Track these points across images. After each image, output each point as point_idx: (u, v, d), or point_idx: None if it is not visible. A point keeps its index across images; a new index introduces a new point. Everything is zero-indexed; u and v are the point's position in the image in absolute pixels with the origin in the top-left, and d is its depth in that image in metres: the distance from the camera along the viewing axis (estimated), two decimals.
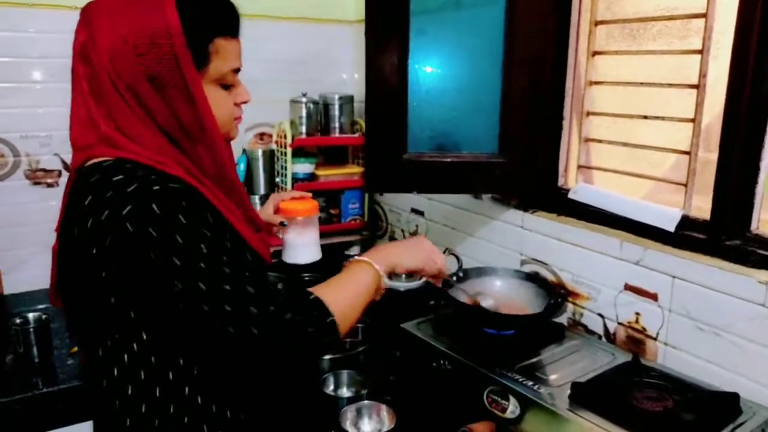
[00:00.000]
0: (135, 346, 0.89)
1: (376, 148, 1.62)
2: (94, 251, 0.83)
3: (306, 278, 1.87)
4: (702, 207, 1.33)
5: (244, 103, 0.99)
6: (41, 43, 1.90)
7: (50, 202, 1.99)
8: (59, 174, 2.00)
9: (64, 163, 1.99)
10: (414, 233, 2.15)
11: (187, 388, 0.92)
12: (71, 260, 0.89)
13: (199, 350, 0.91)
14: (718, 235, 1.25)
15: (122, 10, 0.87)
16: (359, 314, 0.99)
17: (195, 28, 0.88)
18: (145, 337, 0.88)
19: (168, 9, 0.86)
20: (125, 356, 0.89)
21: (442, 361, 1.34)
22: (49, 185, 1.99)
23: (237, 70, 0.96)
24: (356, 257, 1.06)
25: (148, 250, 0.81)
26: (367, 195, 2.34)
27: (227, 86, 0.95)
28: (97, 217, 0.82)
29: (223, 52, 0.92)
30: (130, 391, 0.90)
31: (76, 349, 1.62)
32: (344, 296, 0.96)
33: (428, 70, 1.63)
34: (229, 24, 0.94)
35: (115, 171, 0.85)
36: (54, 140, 1.97)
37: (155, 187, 0.83)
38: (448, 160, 1.62)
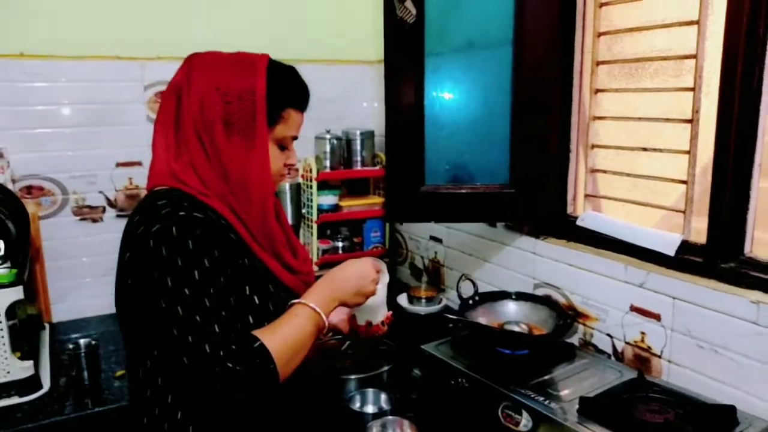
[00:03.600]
0: (155, 352, 1.02)
1: (396, 181, 1.75)
2: (126, 260, 1.00)
3: None
4: (702, 230, 1.42)
5: (292, 165, 1.15)
6: (86, 90, 2.07)
7: (95, 237, 2.15)
8: (103, 210, 2.16)
9: (108, 200, 2.16)
10: (433, 260, 2.26)
11: (180, 413, 1.03)
12: (119, 271, 1.04)
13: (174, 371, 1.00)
14: (715, 258, 1.34)
15: (223, 66, 1.06)
16: (301, 359, 1.03)
17: (275, 94, 1.06)
18: (156, 353, 1.02)
19: (260, 75, 1.05)
20: (147, 362, 1.03)
21: (460, 380, 1.44)
22: (94, 221, 2.15)
23: (294, 138, 1.14)
24: (302, 300, 1.08)
25: (154, 266, 0.94)
26: (387, 224, 2.47)
27: (283, 148, 1.12)
28: (136, 231, 0.98)
29: (289, 119, 1.10)
30: (149, 393, 1.05)
31: (121, 372, 1.75)
32: (287, 342, 1.00)
33: (443, 107, 1.76)
34: (301, 100, 1.13)
35: (162, 197, 1.01)
36: (99, 179, 2.13)
37: (181, 213, 0.97)
38: (463, 191, 1.74)
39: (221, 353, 0.93)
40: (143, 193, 2.18)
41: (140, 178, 2.19)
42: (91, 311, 2.17)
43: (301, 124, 1.14)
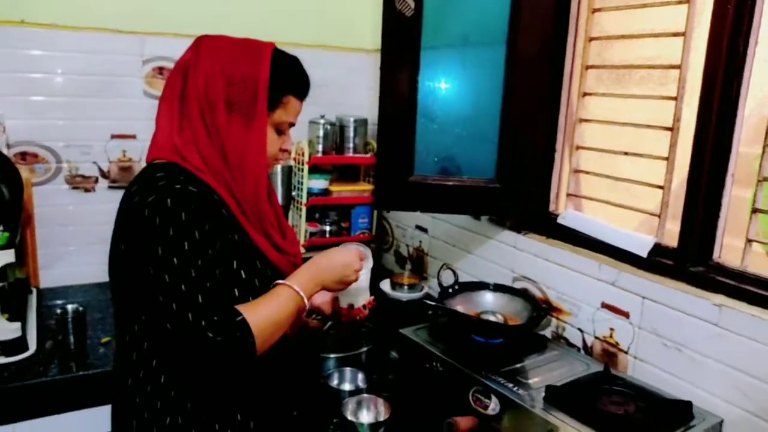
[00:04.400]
0: (143, 317, 1.06)
1: (386, 170, 1.79)
2: (121, 228, 1.04)
3: None
4: (676, 233, 1.48)
5: (286, 150, 1.20)
6: (85, 61, 2.09)
7: (86, 206, 2.18)
8: (96, 180, 2.18)
9: (101, 170, 2.18)
10: (418, 248, 2.31)
11: (163, 377, 1.08)
12: (114, 238, 1.09)
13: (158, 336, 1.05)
14: (685, 261, 1.41)
15: (230, 49, 1.11)
16: (279, 336, 1.08)
17: (277, 80, 1.11)
18: (143, 318, 1.06)
19: (264, 61, 1.10)
20: (135, 326, 1.08)
21: (434, 363, 1.50)
22: (87, 190, 2.18)
23: (292, 124, 1.19)
24: (286, 281, 1.13)
25: (146, 234, 0.99)
26: (375, 211, 2.52)
27: (280, 133, 1.17)
28: (132, 201, 1.03)
29: (289, 106, 1.15)
30: (134, 357, 1.09)
31: (106, 339, 1.79)
32: (267, 320, 1.05)
33: (436, 100, 1.80)
34: (301, 88, 1.18)
35: (160, 169, 1.06)
36: (93, 150, 2.16)
37: (176, 186, 1.02)
38: (450, 183, 1.78)
39: (203, 323, 0.97)
40: (136, 165, 2.22)
41: (134, 150, 2.22)
42: (78, 279, 2.20)
43: (299, 112, 1.19)
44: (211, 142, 1.09)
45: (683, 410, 1.27)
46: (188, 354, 1.01)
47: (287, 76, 1.15)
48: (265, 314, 1.06)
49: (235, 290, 1.09)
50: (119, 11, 2.11)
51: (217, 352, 0.99)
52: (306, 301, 1.13)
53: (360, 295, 1.34)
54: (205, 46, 1.12)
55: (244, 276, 1.11)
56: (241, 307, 1.04)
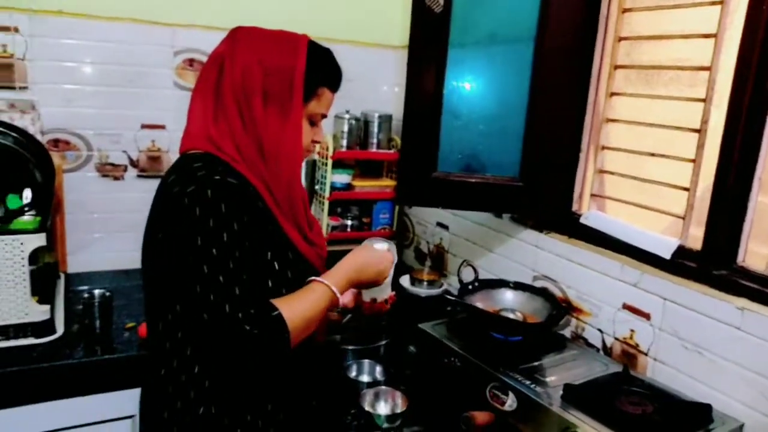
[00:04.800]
0: (178, 306, 1.07)
1: (409, 165, 1.80)
2: (159, 217, 1.06)
3: None
4: (700, 237, 1.47)
5: (318, 142, 1.22)
6: (118, 52, 2.14)
7: (115, 194, 2.23)
8: (125, 169, 2.23)
9: (130, 159, 2.23)
10: (438, 245, 2.32)
11: (197, 367, 1.09)
12: (148, 228, 1.11)
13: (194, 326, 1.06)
14: (708, 264, 1.39)
15: (267, 41, 1.13)
16: (311, 332, 1.11)
17: (312, 72, 1.13)
18: (178, 307, 1.07)
19: (300, 53, 1.12)
20: (169, 315, 1.09)
21: (452, 359, 1.51)
22: (116, 178, 2.22)
23: (324, 116, 1.21)
24: (322, 279, 1.16)
25: (186, 224, 1.00)
26: (397, 207, 2.53)
27: (313, 124, 1.19)
28: (170, 190, 1.04)
29: (322, 97, 1.18)
30: (168, 346, 1.10)
31: (131, 324, 1.83)
32: (302, 315, 1.07)
33: (461, 97, 1.81)
34: (335, 80, 1.21)
35: (198, 160, 1.08)
36: (123, 139, 2.20)
37: (216, 177, 1.03)
38: (473, 180, 1.78)
39: (239, 315, 0.99)
40: (165, 155, 2.26)
41: (163, 140, 2.26)
42: (105, 265, 2.25)
43: (332, 104, 1.21)
44: (247, 133, 1.11)
45: (702, 413, 1.26)
46: (224, 345, 1.01)
47: (322, 68, 1.17)
48: (300, 310, 1.07)
49: (269, 281, 1.11)
50: (152, 2, 2.15)
51: (252, 344, 1.00)
52: (340, 298, 1.15)
53: (384, 290, 1.37)
54: (240, 37, 1.13)
55: (277, 267, 1.12)
56: (276, 302, 1.05)
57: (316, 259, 1.23)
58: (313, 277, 1.16)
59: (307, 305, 1.10)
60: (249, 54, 1.10)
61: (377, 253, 1.30)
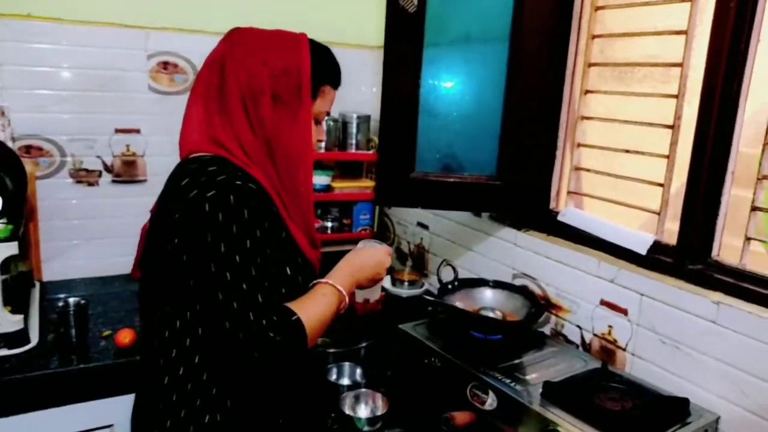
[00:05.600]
0: (188, 314, 1.05)
1: (387, 165, 1.79)
2: (175, 222, 1.02)
3: None
4: (676, 232, 1.48)
5: (321, 141, 1.23)
6: (90, 56, 2.10)
7: (90, 200, 2.19)
8: (99, 174, 2.19)
9: (104, 164, 2.19)
10: (419, 245, 2.32)
11: (205, 375, 1.07)
12: (159, 232, 1.08)
13: (212, 333, 1.05)
14: (683, 259, 1.41)
15: (268, 41, 1.11)
16: (321, 334, 1.12)
17: (316, 70, 1.13)
18: (198, 306, 1.04)
19: (303, 51, 1.11)
20: (177, 322, 1.06)
21: (433, 359, 1.50)
22: (90, 184, 2.19)
23: (327, 114, 1.22)
24: (329, 281, 1.16)
25: (208, 230, 0.98)
26: (377, 207, 2.52)
27: (317, 123, 1.20)
28: (187, 195, 1.01)
29: (326, 95, 1.19)
30: (174, 354, 1.08)
31: (107, 332, 1.80)
32: (316, 318, 1.07)
33: (438, 97, 1.81)
34: (337, 78, 1.22)
35: (211, 163, 1.05)
36: (97, 144, 2.17)
37: (237, 182, 1.02)
38: (451, 180, 1.78)
39: (263, 322, 0.98)
40: (140, 160, 2.23)
41: (138, 145, 2.23)
42: (81, 273, 2.21)
43: (334, 101, 1.21)
44: (255, 136, 1.09)
45: (680, 407, 1.27)
46: (246, 352, 0.99)
47: (324, 66, 1.17)
48: (314, 313, 1.07)
49: (282, 288, 1.10)
50: (124, 6, 2.12)
51: (275, 351, 0.99)
52: (347, 299, 1.16)
53: (376, 291, 1.37)
54: (239, 38, 1.12)
55: (289, 273, 1.12)
56: (292, 306, 1.05)
57: (316, 262, 1.23)
58: (319, 280, 1.15)
59: (321, 308, 1.10)
60: (252, 55, 1.09)
61: (373, 249, 1.30)
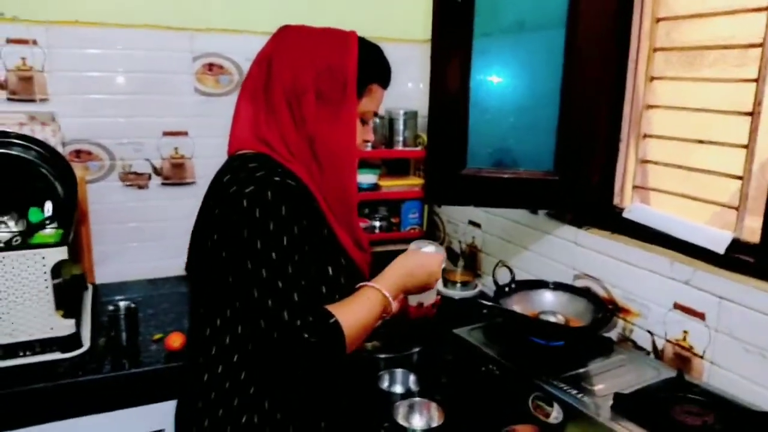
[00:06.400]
0: (228, 311, 1.04)
1: (437, 162, 1.72)
2: (215, 218, 1.02)
3: None
4: (755, 227, 1.36)
5: (369, 141, 1.19)
6: (136, 59, 2.10)
7: (140, 203, 2.20)
8: (149, 177, 2.20)
9: (153, 167, 2.19)
10: (471, 245, 2.23)
11: (243, 374, 1.05)
12: (201, 227, 1.07)
13: (249, 332, 1.03)
14: (766, 259, 1.28)
15: (316, 39, 1.10)
16: (364, 340, 1.08)
17: (364, 69, 1.10)
18: (237, 304, 1.03)
19: (351, 50, 1.09)
20: (218, 320, 1.05)
21: (491, 366, 1.42)
22: (140, 187, 2.19)
23: (375, 114, 1.18)
24: (375, 285, 1.12)
25: (245, 226, 0.97)
26: (426, 206, 2.45)
27: (364, 122, 1.16)
28: (227, 190, 1.00)
29: (374, 94, 1.15)
30: (213, 352, 1.07)
31: (158, 336, 1.79)
32: (357, 322, 1.04)
33: (489, 89, 1.72)
34: (386, 77, 1.18)
35: (252, 160, 1.04)
36: (145, 147, 2.17)
37: (276, 178, 1.00)
38: (506, 176, 1.70)
39: (298, 322, 0.95)
40: (188, 162, 2.23)
41: (186, 147, 2.22)
42: (133, 275, 2.23)
43: (382, 101, 1.18)
44: (299, 134, 1.07)
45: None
46: (280, 352, 0.98)
47: (373, 65, 1.13)
48: (355, 317, 1.04)
49: (323, 287, 1.07)
50: (169, 8, 2.11)
51: (309, 353, 0.97)
52: (393, 305, 1.12)
53: (430, 295, 1.32)
54: (288, 36, 1.11)
55: (330, 273, 1.09)
56: (332, 308, 1.02)
57: (364, 265, 1.20)
58: (364, 283, 1.12)
59: (363, 312, 1.07)
60: (299, 53, 1.08)
61: (426, 256, 1.25)
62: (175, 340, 1.68)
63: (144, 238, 2.22)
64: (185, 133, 2.21)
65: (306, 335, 0.95)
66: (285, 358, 0.99)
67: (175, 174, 2.22)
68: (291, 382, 1.08)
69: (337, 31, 1.12)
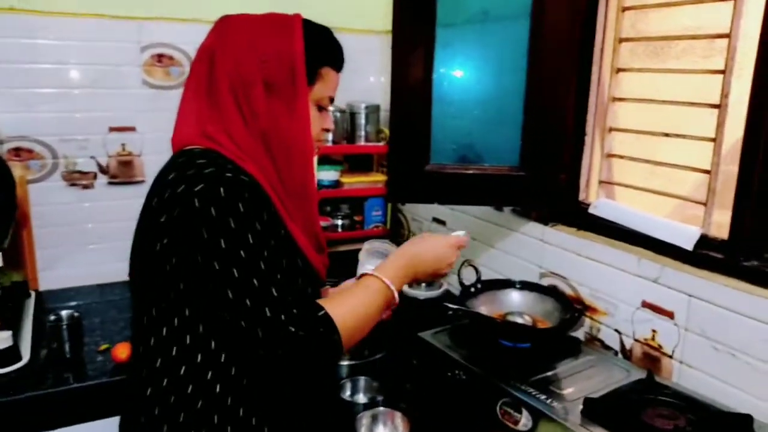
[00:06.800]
0: (176, 320, 0.96)
1: (399, 159, 1.65)
2: (162, 219, 0.93)
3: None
4: (722, 223, 1.33)
5: (328, 130, 1.12)
6: (79, 50, 1.98)
7: (86, 204, 2.07)
8: (95, 176, 2.07)
9: (99, 165, 2.07)
10: None
11: (210, 373, 0.97)
12: (144, 230, 0.98)
13: (224, 336, 0.96)
14: (736, 255, 1.25)
15: (257, 26, 1.02)
16: (366, 332, 1.02)
17: (312, 52, 1.02)
18: (187, 312, 0.95)
19: (296, 33, 1.01)
20: (164, 329, 0.97)
21: (457, 372, 1.36)
22: (85, 187, 2.07)
23: (332, 100, 1.10)
24: (371, 272, 1.08)
25: (203, 226, 0.90)
26: (389, 203, 2.38)
27: (321, 109, 1.08)
28: (174, 190, 0.92)
29: (327, 79, 1.07)
30: (158, 364, 0.97)
31: (105, 346, 1.68)
32: (353, 314, 0.99)
33: (453, 82, 1.66)
34: (337, 58, 1.09)
35: (200, 156, 0.97)
36: (91, 144, 2.05)
37: (228, 174, 0.93)
38: (470, 172, 1.64)
39: (282, 317, 0.90)
40: (137, 159, 2.11)
41: (134, 144, 2.10)
42: (80, 280, 2.11)
43: (338, 85, 1.10)
44: (249, 129, 1.00)
45: (742, 425, 1.12)
46: (269, 350, 0.91)
47: (320, 47, 1.06)
48: (350, 308, 0.99)
49: (299, 279, 1.02)
50: None
51: (300, 348, 0.91)
52: (396, 295, 1.07)
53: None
54: (228, 26, 1.04)
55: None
56: (323, 302, 0.97)
57: (322, 268, 1.12)
58: (365, 272, 1.08)
59: (359, 302, 1.02)
60: (240, 42, 1.00)
61: (434, 241, 1.19)
62: (123, 351, 1.58)
63: (91, 241, 2.10)
64: (133, 129, 2.09)
65: (293, 329, 0.89)
66: (275, 357, 0.92)
67: (122, 172, 2.10)
68: (256, 391, 1.01)
69: (279, 16, 1.05)
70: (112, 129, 2.07)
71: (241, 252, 0.90)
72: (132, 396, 1.04)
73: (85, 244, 2.10)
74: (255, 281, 0.90)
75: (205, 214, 0.90)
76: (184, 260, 0.92)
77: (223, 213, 0.90)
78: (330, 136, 2.17)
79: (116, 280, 2.11)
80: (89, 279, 2.10)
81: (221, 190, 0.91)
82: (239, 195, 0.92)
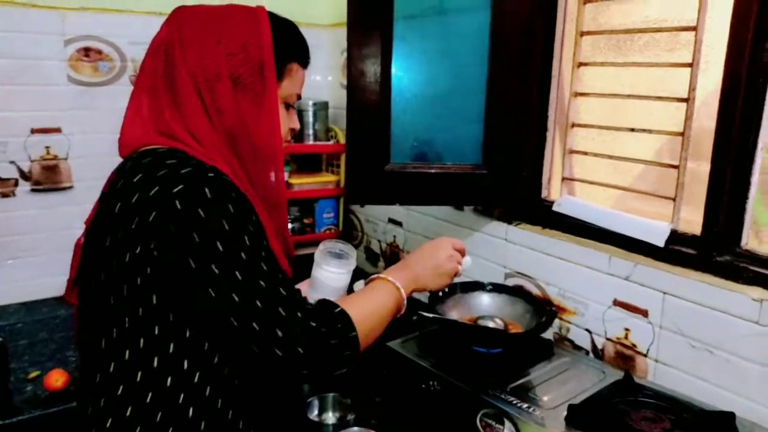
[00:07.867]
0: (156, 329, 0.87)
1: (358, 159, 1.57)
2: (134, 226, 0.84)
3: None
4: (691, 219, 1.32)
5: (294, 129, 1.05)
6: None
7: (5, 214, 1.86)
8: (16, 183, 1.87)
9: (20, 171, 1.87)
10: (392, 244, 2.10)
11: (198, 374, 0.88)
12: (103, 241, 0.88)
13: (222, 342, 0.89)
14: (709, 250, 1.24)
15: (220, 17, 0.94)
16: (379, 333, 0.98)
17: (280, 46, 0.95)
18: (171, 318, 0.86)
19: (262, 23, 0.94)
20: (141, 340, 0.87)
21: (431, 382, 1.29)
22: (5, 195, 1.86)
23: (299, 97, 1.05)
24: (381, 275, 1.05)
25: (192, 229, 0.82)
26: (342, 204, 2.29)
27: (288, 107, 1.02)
28: (145, 193, 0.84)
29: (294, 75, 1.01)
30: (138, 377, 0.87)
31: (35, 373, 1.51)
32: (367, 314, 0.95)
33: (413, 77, 1.59)
34: (304, 54, 1.04)
35: (169, 156, 0.89)
36: (10, 147, 1.84)
37: (210, 174, 0.86)
38: (433, 171, 1.57)
39: (299, 314, 0.85)
40: (63, 163, 1.92)
41: (59, 146, 1.91)
42: (5, 298, 1.90)
43: (304, 82, 1.04)
44: (215, 129, 0.93)
45: (726, 423, 1.10)
46: (291, 348, 0.83)
47: (288, 41, 0.99)
48: (364, 308, 0.96)
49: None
50: None
51: (322, 344, 0.86)
52: (404, 297, 1.04)
53: (334, 297, 1.12)
54: (185, 17, 0.95)
55: None
56: (335, 301, 0.94)
57: (289, 272, 1.03)
58: (376, 275, 1.05)
59: (371, 303, 0.99)
60: (203, 34, 0.92)
61: (435, 242, 1.16)
62: (57, 379, 1.41)
63: (13, 255, 1.89)
64: (58, 130, 1.90)
65: (314, 324, 0.85)
66: (299, 354, 0.84)
67: (47, 178, 1.90)
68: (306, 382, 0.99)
69: (242, 7, 0.97)
70: (34, 131, 1.87)
71: (242, 254, 0.84)
72: (98, 423, 0.90)
73: (5, 258, 1.89)
74: (262, 282, 0.84)
75: (192, 216, 0.83)
76: (166, 267, 0.84)
77: (215, 215, 0.84)
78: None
79: (44, 297, 1.91)
80: (13, 297, 1.89)
81: (206, 190, 0.84)
82: (227, 195, 0.86)
